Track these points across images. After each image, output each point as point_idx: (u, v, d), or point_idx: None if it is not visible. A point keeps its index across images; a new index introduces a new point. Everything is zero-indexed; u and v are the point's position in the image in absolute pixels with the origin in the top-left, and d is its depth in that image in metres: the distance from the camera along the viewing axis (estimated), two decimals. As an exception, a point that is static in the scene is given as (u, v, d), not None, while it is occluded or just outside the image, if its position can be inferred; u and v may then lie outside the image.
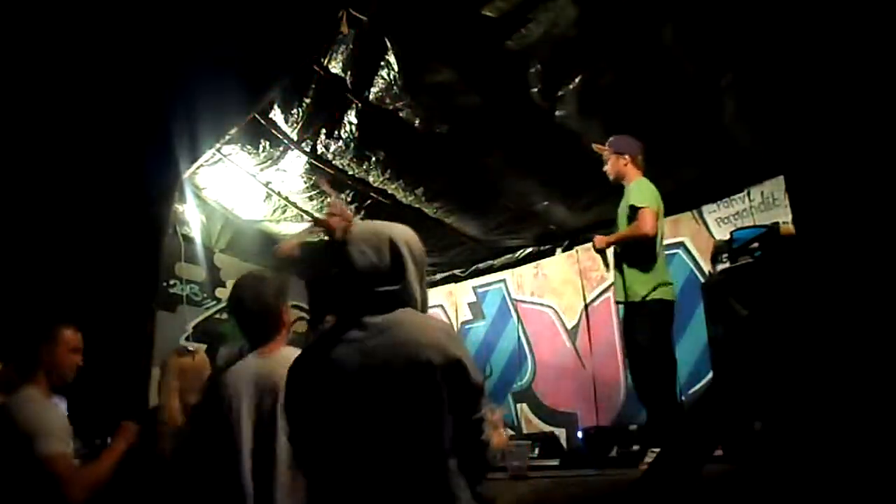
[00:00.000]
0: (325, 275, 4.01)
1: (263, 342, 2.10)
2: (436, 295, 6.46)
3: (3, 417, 2.10)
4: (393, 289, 1.55)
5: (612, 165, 3.46)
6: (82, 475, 2.13)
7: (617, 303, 3.49)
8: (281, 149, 4.42)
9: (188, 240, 5.06)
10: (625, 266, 3.28)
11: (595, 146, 3.55)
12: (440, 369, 1.42)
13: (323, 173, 4.56)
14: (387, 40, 3.51)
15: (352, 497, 1.45)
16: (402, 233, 1.63)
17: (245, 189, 4.93)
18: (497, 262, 6.05)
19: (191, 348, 2.98)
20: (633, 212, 3.24)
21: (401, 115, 4.03)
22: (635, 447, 3.83)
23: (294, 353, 2.08)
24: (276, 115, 4.12)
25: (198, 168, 4.55)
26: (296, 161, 4.55)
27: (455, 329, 1.62)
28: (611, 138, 3.50)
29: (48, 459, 2.04)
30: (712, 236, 4.55)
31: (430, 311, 1.69)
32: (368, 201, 4.94)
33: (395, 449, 1.42)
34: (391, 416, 1.43)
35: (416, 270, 1.60)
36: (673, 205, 4.90)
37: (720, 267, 2.85)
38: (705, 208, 4.77)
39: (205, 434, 2.02)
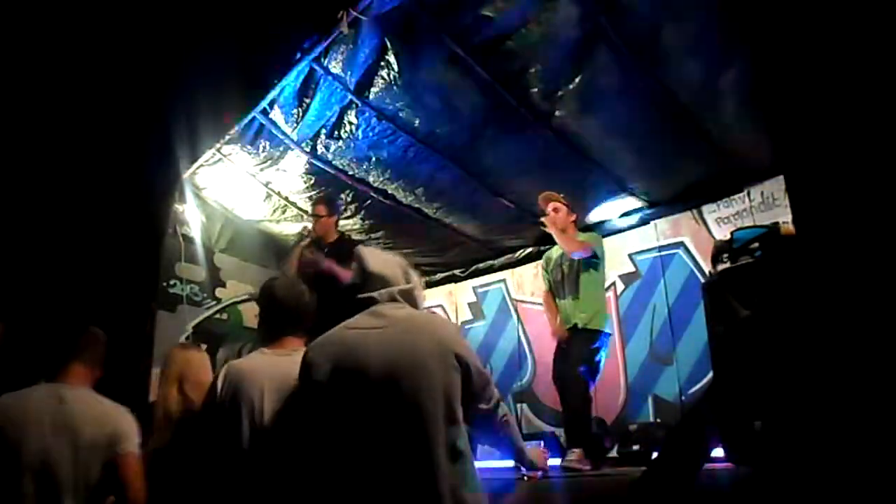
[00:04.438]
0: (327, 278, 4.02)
1: (286, 337, 2.12)
2: (436, 295, 6.46)
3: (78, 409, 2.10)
4: (408, 288, 1.75)
5: (564, 217, 4.00)
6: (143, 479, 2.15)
7: (573, 327, 3.83)
8: (281, 149, 4.42)
9: (188, 240, 5.05)
10: (587, 297, 3.85)
11: (550, 195, 4.02)
12: (456, 357, 1.58)
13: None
14: (387, 40, 3.51)
15: (368, 478, 1.52)
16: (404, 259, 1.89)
17: (245, 189, 4.93)
18: (497, 262, 6.05)
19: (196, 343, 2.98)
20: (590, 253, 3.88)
21: (401, 115, 4.04)
22: (635, 447, 3.86)
23: None
24: (276, 115, 4.12)
25: (198, 168, 4.55)
26: (296, 161, 4.55)
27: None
28: (557, 195, 4.03)
29: (130, 459, 2.11)
30: (712, 236, 4.55)
31: (431, 310, 1.85)
32: (368, 201, 4.94)
33: (414, 430, 1.51)
34: (412, 400, 1.52)
35: (419, 289, 1.84)
36: (673, 205, 4.93)
37: (720, 267, 2.85)
38: (705, 208, 4.78)
39: (225, 429, 2.01)
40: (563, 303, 3.94)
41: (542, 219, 4.01)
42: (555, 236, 3.95)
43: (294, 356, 2.02)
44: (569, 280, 3.94)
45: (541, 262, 4.30)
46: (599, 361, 3.80)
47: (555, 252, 4.12)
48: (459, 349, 1.60)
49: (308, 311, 2.17)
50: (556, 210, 4.00)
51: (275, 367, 2.02)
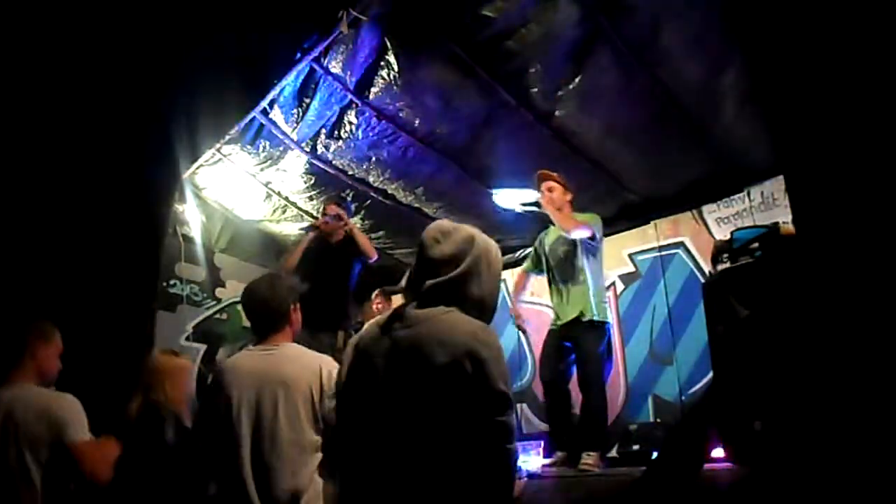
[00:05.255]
0: (321, 274, 4.04)
1: (268, 334, 2.16)
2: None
3: (24, 406, 2.15)
4: (442, 281, 1.56)
5: (560, 196, 3.73)
6: (104, 454, 2.21)
7: (575, 319, 3.58)
8: (281, 149, 4.43)
9: (188, 240, 5.06)
10: (591, 288, 3.60)
11: (545, 173, 3.77)
12: (455, 368, 1.43)
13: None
14: (387, 40, 3.52)
15: (367, 477, 1.50)
16: (484, 237, 1.65)
17: (245, 189, 4.93)
18: (497, 262, 6.04)
19: (179, 351, 3.02)
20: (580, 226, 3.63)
21: (401, 115, 4.03)
22: (635, 447, 3.85)
23: (297, 349, 2.14)
24: (276, 115, 4.12)
25: (198, 168, 4.55)
26: (296, 161, 4.55)
27: (491, 333, 1.59)
28: (552, 173, 3.79)
29: (78, 446, 2.15)
30: (712, 236, 4.56)
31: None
32: (368, 201, 4.94)
33: (402, 438, 1.46)
34: (404, 406, 1.47)
35: (488, 276, 1.60)
36: (673, 205, 4.93)
37: (720, 267, 2.86)
38: (705, 208, 4.78)
39: (206, 428, 2.05)
40: (562, 288, 3.70)
41: (538, 198, 3.74)
42: (551, 215, 3.68)
43: (276, 352, 2.11)
44: (567, 265, 3.70)
45: (535, 244, 4.02)
46: (612, 356, 3.68)
47: (550, 235, 3.88)
48: (466, 362, 1.43)
49: (285, 306, 2.19)
50: (550, 189, 3.75)
51: (256, 364, 2.08)
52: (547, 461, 3.52)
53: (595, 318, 3.54)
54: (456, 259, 1.57)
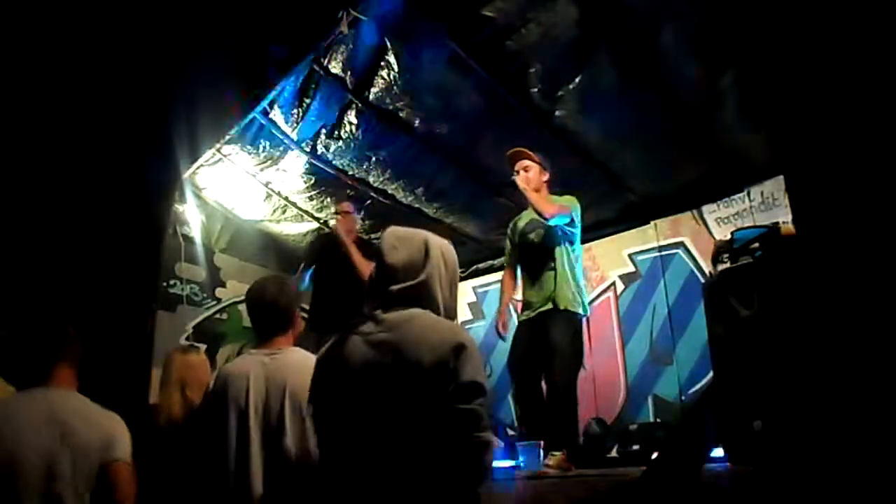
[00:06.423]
0: (329, 274, 4.04)
1: (271, 338, 2.13)
2: (436, 295, 6.44)
3: (68, 413, 2.06)
4: (409, 286, 1.60)
5: (537, 177, 3.51)
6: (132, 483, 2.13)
7: (553, 308, 3.39)
8: (281, 149, 4.43)
9: (188, 240, 5.06)
10: (565, 274, 3.43)
11: (519, 151, 3.56)
12: (434, 368, 1.46)
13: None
14: (387, 40, 3.52)
15: (350, 484, 1.50)
16: (437, 239, 1.71)
17: (245, 189, 4.93)
18: (497, 262, 6.04)
19: (194, 346, 2.99)
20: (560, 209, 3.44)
21: (401, 115, 4.04)
22: (635, 447, 3.85)
23: (302, 355, 2.12)
24: (276, 115, 4.12)
25: (198, 168, 4.55)
26: (296, 161, 4.55)
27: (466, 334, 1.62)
28: (526, 150, 3.57)
29: (120, 464, 2.05)
30: (712, 236, 4.56)
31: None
32: (368, 201, 4.95)
33: (387, 441, 1.47)
34: (386, 409, 1.47)
35: (446, 276, 1.67)
36: (673, 205, 4.93)
37: (720, 267, 2.86)
38: (705, 208, 4.79)
39: (211, 432, 2.04)
40: (533, 276, 3.50)
41: (514, 178, 3.47)
42: (527, 196, 3.43)
43: (280, 356, 2.07)
44: (540, 250, 3.48)
45: (507, 232, 3.77)
46: (583, 349, 3.44)
47: (523, 219, 3.66)
48: (451, 358, 1.45)
49: (290, 310, 2.16)
50: (526, 169, 3.48)
51: (259, 368, 2.04)
52: (547, 461, 3.46)
53: (570, 307, 3.35)
54: (413, 263, 1.62)
